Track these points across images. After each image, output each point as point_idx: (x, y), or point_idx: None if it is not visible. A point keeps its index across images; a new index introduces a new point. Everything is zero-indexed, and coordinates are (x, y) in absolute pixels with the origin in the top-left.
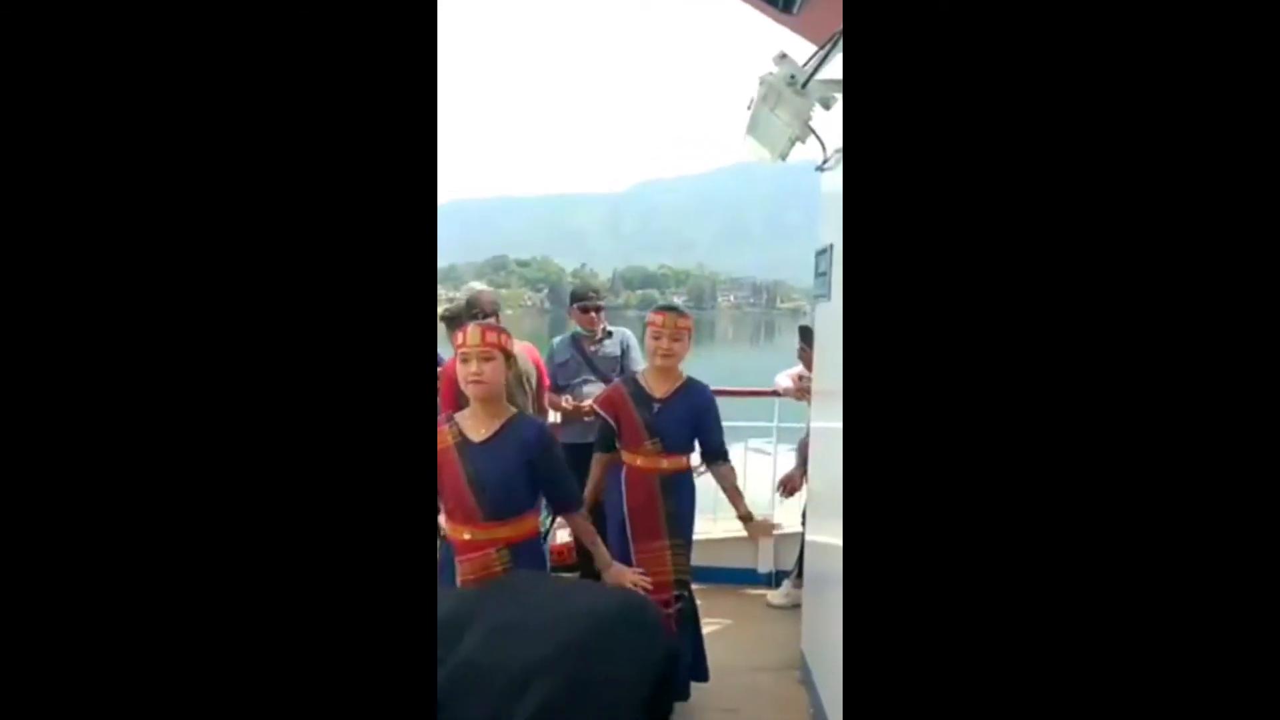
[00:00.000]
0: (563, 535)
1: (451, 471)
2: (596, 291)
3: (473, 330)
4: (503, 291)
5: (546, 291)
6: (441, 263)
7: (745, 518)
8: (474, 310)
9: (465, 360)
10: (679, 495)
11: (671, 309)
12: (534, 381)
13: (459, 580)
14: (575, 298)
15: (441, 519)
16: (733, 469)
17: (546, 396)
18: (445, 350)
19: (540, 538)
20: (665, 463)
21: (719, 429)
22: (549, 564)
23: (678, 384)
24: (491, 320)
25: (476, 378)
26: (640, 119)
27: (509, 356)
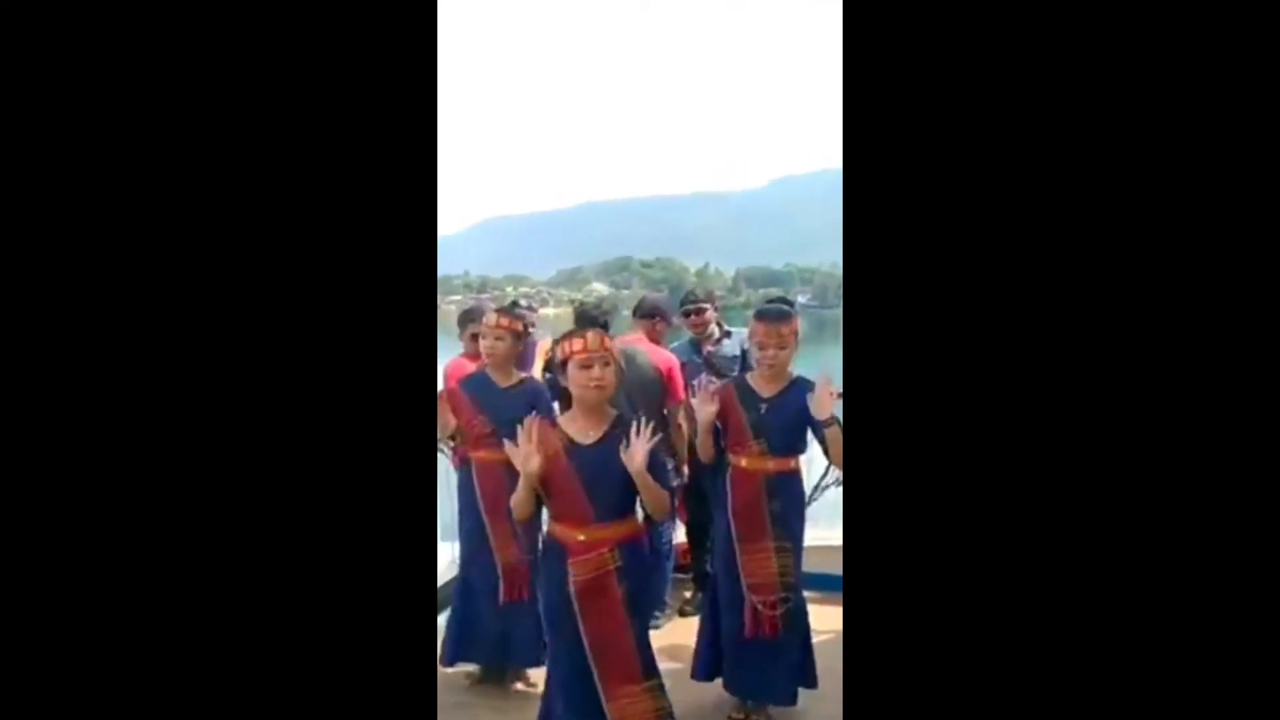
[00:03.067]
0: (678, 535)
1: (563, 475)
2: (696, 295)
3: (593, 336)
4: (624, 293)
5: (667, 292)
6: (567, 265)
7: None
8: (637, 311)
9: (587, 365)
10: (785, 496)
11: (769, 315)
12: (658, 388)
13: (571, 581)
14: (682, 304)
15: (546, 522)
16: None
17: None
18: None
19: (645, 536)
20: (771, 464)
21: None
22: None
23: (785, 384)
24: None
25: (599, 382)
26: (771, 114)
27: (617, 361)
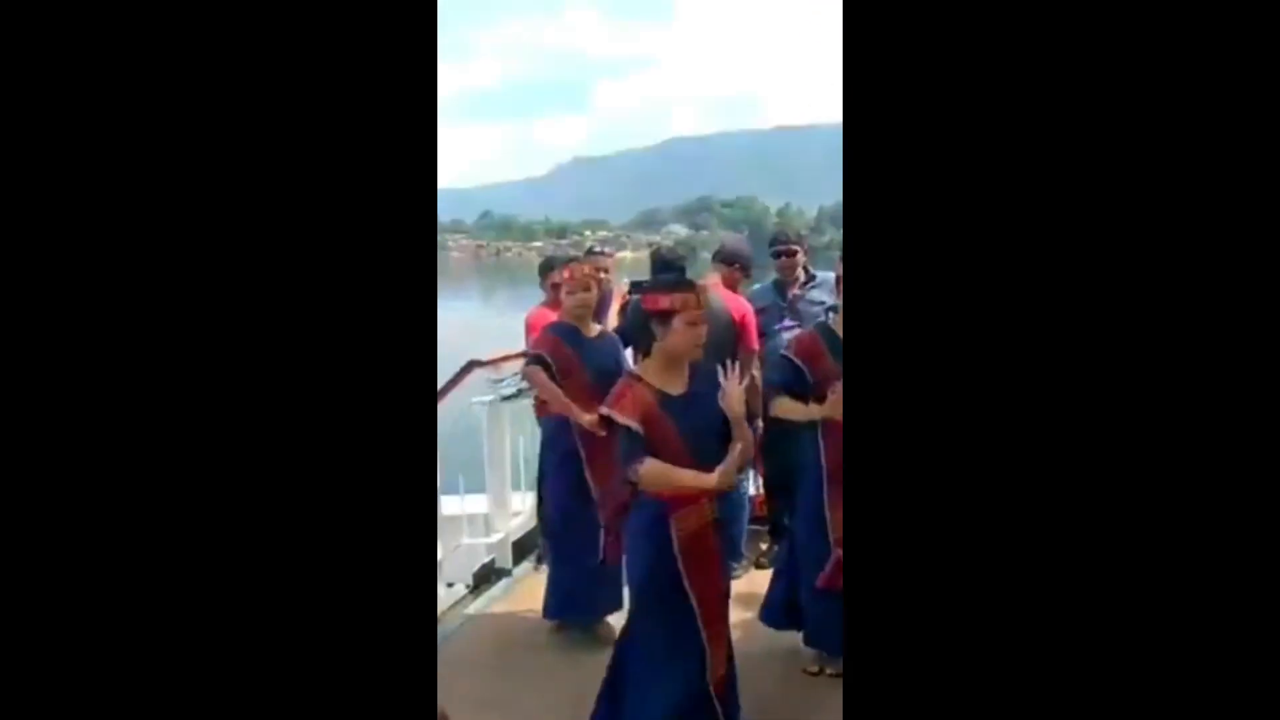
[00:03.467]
0: (754, 487)
1: (663, 428)
2: (787, 235)
3: (703, 295)
4: (703, 234)
5: (747, 233)
6: (647, 205)
7: None
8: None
9: (693, 323)
10: None
11: None
12: (729, 334)
13: (676, 536)
14: (771, 244)
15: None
16: None
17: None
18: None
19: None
20: None
21: None
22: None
23: None
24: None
25: (701, 340)
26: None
27: None
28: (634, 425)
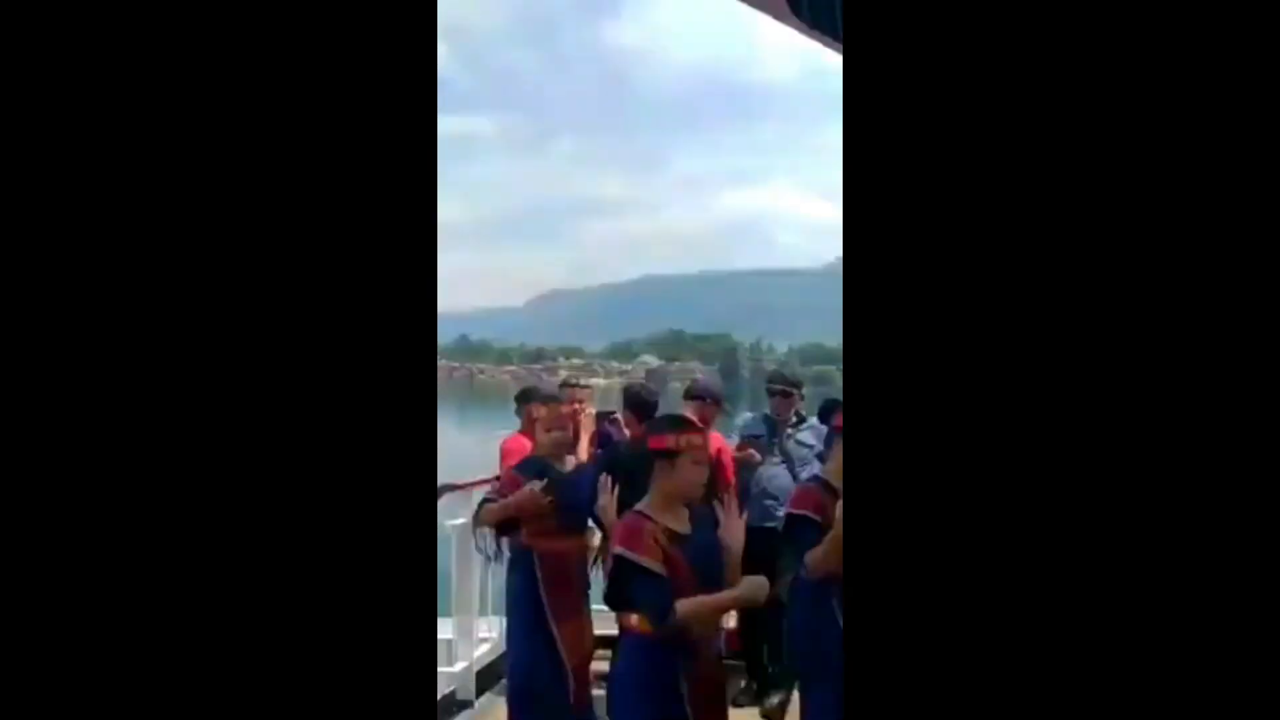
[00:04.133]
0: (729, 620)
1: (679, 567)
2: (784, 376)
3: (705, 438)
4: (674, 365)
5: (718, 366)
6: (620, 337)
7: None
8: (688, 394)
9: (698, 463)
10: None
11: None
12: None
13: (688, 684)
14: (769, 382)
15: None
16: None
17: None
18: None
19: None
20: None
21: None
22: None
23: None
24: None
25: (697, 480)
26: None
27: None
28: (658, 569)
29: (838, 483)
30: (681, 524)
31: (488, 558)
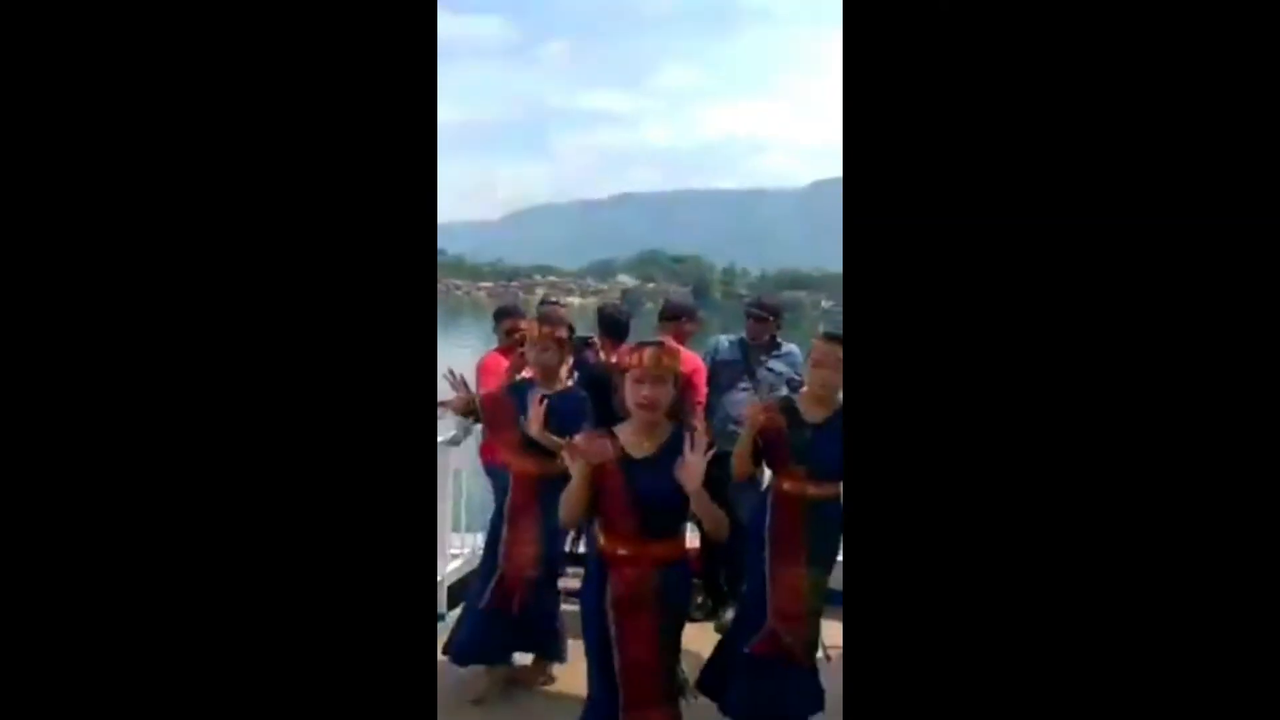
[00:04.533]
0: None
1: (614, 487)
2: (763, 301)
3: (650, 354)
4: (649, 286)
5: (691, 288)
6: (598, 255)
7: None
8: (662, 314)
9: (639, 381)
10: (823, 524)
11: (838, 338)
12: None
13: (611, 594)
14: (747, 305)
15: (598, 532)
16: None
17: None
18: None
19: (689, 557)
20: (812, 489)
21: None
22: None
23: (833, 410)
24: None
25: (647, 401)
26: (826, 113)
27: (678, 377)
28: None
29: (800, 406)
30: (638, 448)
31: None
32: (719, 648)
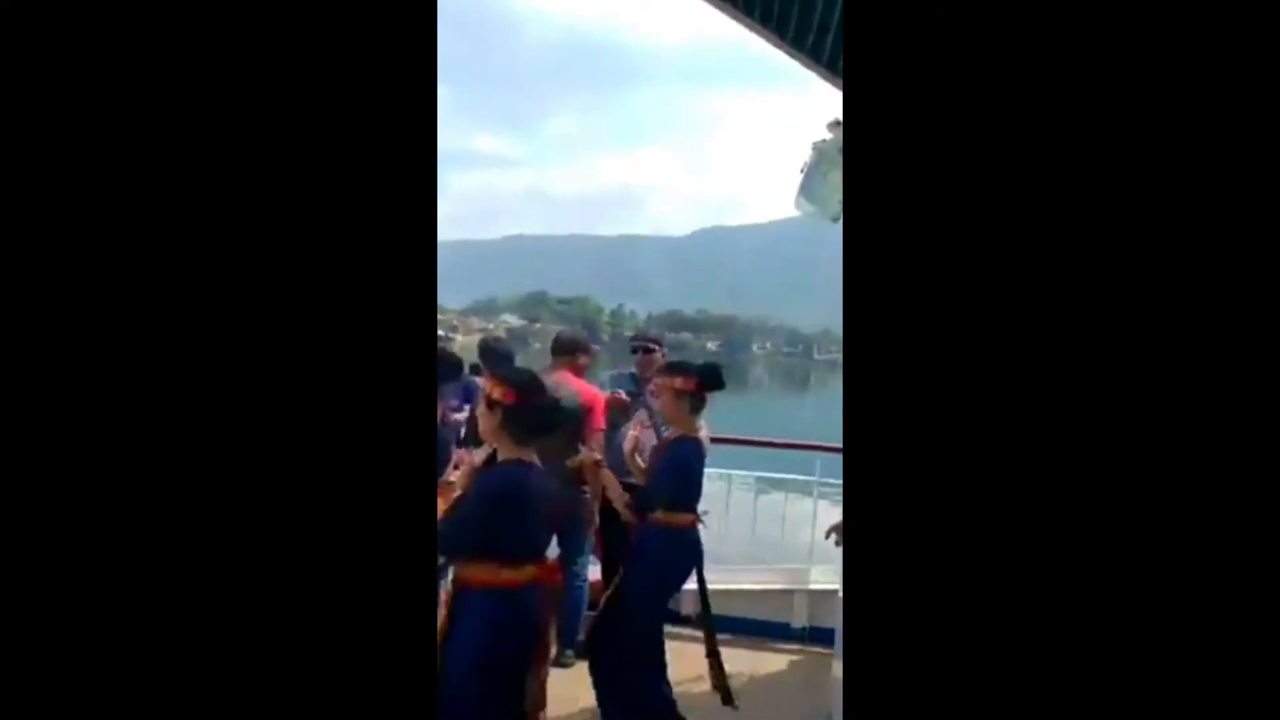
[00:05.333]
0: (594, 573)
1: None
2: (648, 334)
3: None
4: (535, 326)
5: (577, 327)
6: (483, 294)
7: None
8: (555, 348)
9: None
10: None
11: (673, 368)
12: (579, 420)
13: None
14: (632, 339)
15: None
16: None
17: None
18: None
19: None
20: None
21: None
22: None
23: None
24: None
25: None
26: (709, 166)
27: (492, 405)
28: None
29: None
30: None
31: None
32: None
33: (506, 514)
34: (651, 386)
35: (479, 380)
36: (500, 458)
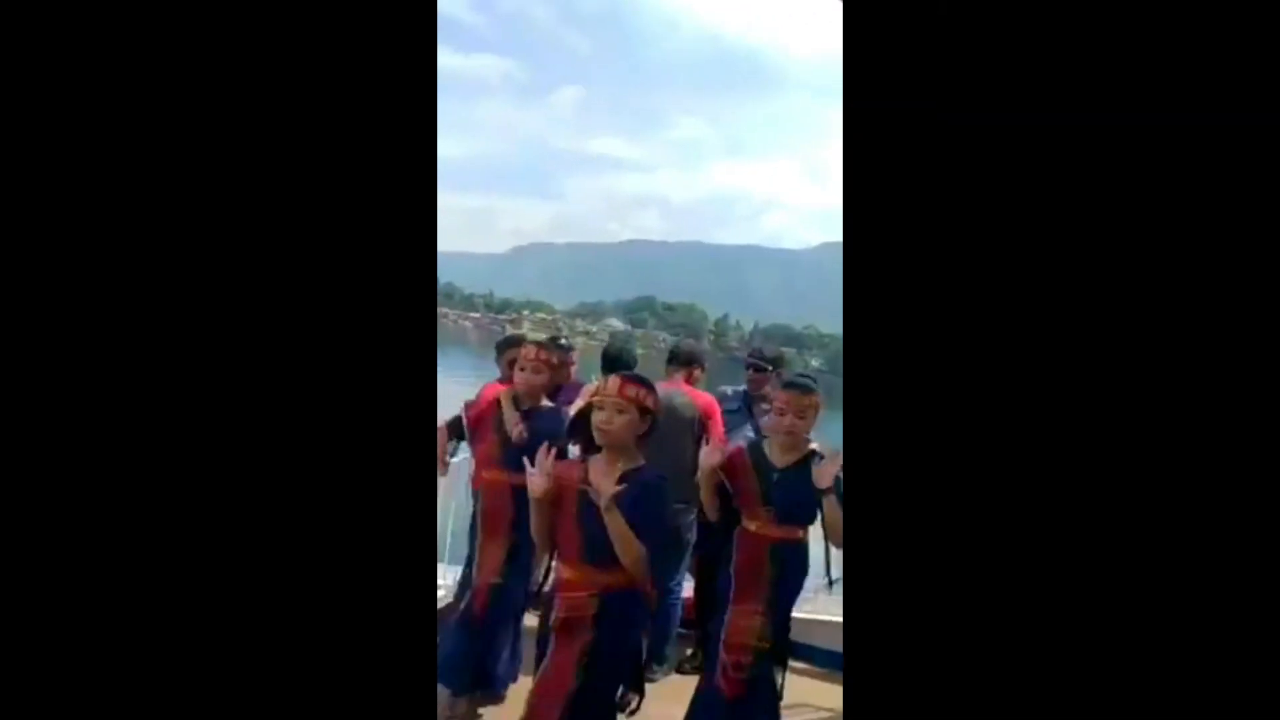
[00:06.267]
0: (688, 590)
1: (568, 510)
2: (763, 354)
3: (613, 381)
4: (638, 331)
5: (683, 336)
6: (590, 297)
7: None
8: (673, 357)
9: (600, 408)
10: (785, 565)
11: (797, 386)
12: (698, 430)
13: (554, 615)
14: (748, 356)
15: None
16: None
17: None
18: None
19: (639, 591)
20: (777, 531)
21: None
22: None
23: (799, 455)
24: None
25: (604, 426)
26: (832, 179)
27: (645, 412)
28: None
29: (767, 450)
30: (603, 482)
31: None
32: (697, 693)
33: (658, 523)
34: (779, 404)
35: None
36: (623, 466)
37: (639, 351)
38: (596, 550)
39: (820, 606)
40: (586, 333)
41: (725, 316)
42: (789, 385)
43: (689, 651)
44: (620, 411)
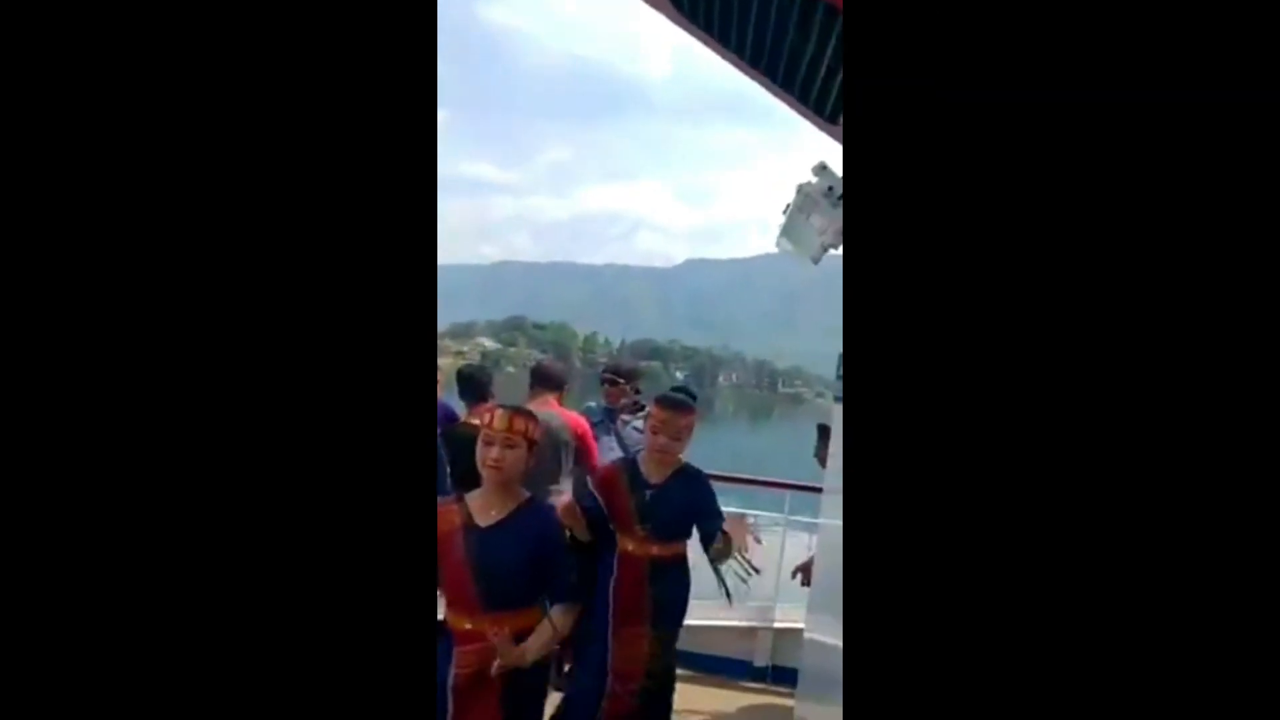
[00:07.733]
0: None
1: (454, 557)
2: (618, 366)
3: (501, 415)
4: (510, 350)
5: (551, 355)
6: (463, 318)
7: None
8: (541, 378)
9: (489, 443)
10: (666, 583)
11: (672, 403)
12: (571, 452)
13: (453, 672)
14: (603, 370)
15: (442, 607)
16: (725, 535)
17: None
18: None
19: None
20: (655, 549)
21: (717, 518)
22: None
23: (673, 470)
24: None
25: (496, 463)
26: (697, 198)
27: (533, 445)
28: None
29: (642, 467)
30: (484, 515)
31: None
32: (559, 711)
33: (560, 552)
34: (654, 422)
35: (450, 405)
36: (509, 501)
37: (510, 369)
38: (496, 596)
39: (709, 613)
40: (458, 353)
41: (594, 334)
42: (664, 401)
43: (566, 668)
44: (510, 446)
